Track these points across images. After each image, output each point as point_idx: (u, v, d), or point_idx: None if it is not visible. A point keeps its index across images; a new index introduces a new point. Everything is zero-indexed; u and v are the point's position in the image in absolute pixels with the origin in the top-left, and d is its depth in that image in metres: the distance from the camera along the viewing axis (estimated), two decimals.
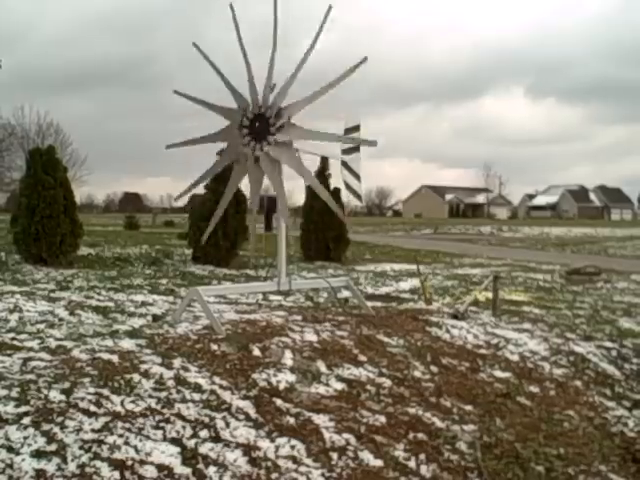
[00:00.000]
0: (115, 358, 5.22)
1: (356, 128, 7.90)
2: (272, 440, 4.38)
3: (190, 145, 7.17)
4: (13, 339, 5.82)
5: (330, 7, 6.46)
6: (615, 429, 5.81)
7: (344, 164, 7.91)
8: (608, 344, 7.47)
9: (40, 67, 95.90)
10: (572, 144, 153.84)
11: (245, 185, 7.24)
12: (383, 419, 4.95)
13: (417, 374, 5.87)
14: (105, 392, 4.58)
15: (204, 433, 4.31)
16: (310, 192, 15.16)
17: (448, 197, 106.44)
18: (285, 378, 5.27)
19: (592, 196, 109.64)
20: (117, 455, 3.90)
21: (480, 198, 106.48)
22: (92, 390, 4.58)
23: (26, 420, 4.07)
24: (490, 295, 8.63)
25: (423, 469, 4.47)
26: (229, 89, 6.87)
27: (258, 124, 6.65)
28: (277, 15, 6.61)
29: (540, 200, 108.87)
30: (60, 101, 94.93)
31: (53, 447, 3.85)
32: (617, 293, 11.33)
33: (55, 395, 4.43)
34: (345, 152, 7.85)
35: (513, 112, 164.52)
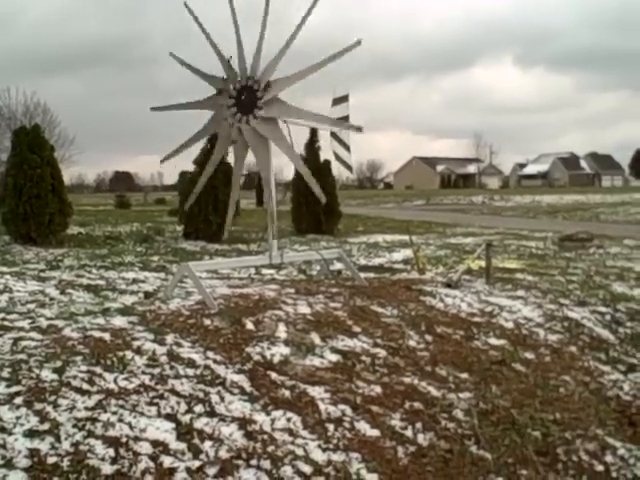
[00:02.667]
0: (107, 336, 5.17)
1: (344, 98, 7.81)
2: (268, 413, 4.35)
3: (175, 110, 7.09)
4: (3, 319, 5.75)
5: None
6: (611, 393, 5.82)
7: (333, 135, 7.83)
8: (602, 309, 7.47)
9: (29, 49, 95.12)
10: (562, 112, 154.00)
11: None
12: (379, 389, 4.93)
13: (412, 343, 5.85)
14: (98, 370, 4.54)
15: (199, 408, 4.27)
16: None
17: (439, 168, 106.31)
18: (279, 351, 5.24)
19: (583, 163, 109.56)
20: (111, 432, 3.86)
21: (471, 168, 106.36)
22: (84, 368, 4.53)
23: (18, 400, 4.03)
24: (483, 263, 8.60)
25: (420, 438, 4.45)
26: (218, 57, 6.75)
27: (245, 96, 6.55)
28: None
29: (531, 169, 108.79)
30: (49, 82, 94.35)
31: (46, 426, 3.81)
32: (610, 258, 11.34)
33: (47, 374, 4.38)
34: (334, 123, 7.77)
35: (503, 82, 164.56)
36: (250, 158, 6.94)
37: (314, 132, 15.00)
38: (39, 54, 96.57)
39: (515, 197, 46.48)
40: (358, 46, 6.27)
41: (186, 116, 7.26)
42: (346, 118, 7.74)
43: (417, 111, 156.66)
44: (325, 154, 15.10)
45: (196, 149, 11.39)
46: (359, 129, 6.66)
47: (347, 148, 7.78)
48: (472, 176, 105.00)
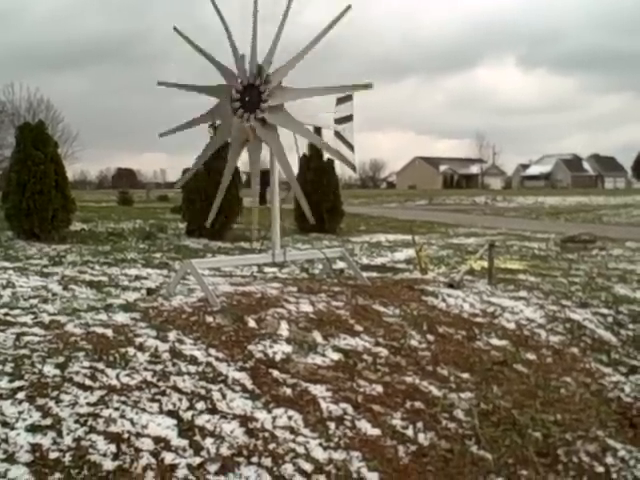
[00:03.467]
0: (109, 332, 5.18)
1: (349, 97, 7.80)
2: (269, 411, 4.36)
3: (183, 130, 7.07)
4: (6, 314, 5.76)
5: None
6: (612, 395, 5.82)
7: (337, 134, 7.83)
8: (604, 310, 7.47)
9: (34, 45, 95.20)
10: (565, 114, 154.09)
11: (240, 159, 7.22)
12: (380, 388, 4.94)
13: (413, 343, 5.85)
14: (100, 366, 4.55)
15: (200, 405, 4.28)
16: (304, 164, 15.07)
17: (442, 168, 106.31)
18: (281, 349, 5.24)
19: (586, 165, 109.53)
20: (113, 428, 3.87)
21: (474, 169, 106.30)
22: (87, 364, 4.54)
23: (20, 395, 4.04)
24: (485, 264, 8.61)
25: (421, 437, 4.46)
26: (215, 66, 6.78)
27: (249, 95, 6.56)
28: None
29: (534, 170, 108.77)
30: (54, 79, 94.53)
31: (48, 421, 3.82)
32: (612, 260, 11.34)
33: (49, 370, 4.39)
34: (338, 122, 7.76)
35: (506, 83, 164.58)
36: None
37: (318, 132, 15.01)
38: (44, 50, 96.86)
39: (518, 198, 46.47)
40: (348, 11, 6.30)
41: (190, 113, 7.26)
42: (350, 117, 7.74)
43: (419, 111, 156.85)
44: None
45: (200, 147, 11.36)
46: (368, 86, 6.63)
47: (351, 147, 7.78)
48: (475, 176, 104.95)
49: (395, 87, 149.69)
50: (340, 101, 7.76)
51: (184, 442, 3.88)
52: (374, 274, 8.63)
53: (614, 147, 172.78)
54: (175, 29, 7.00)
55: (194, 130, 7.21)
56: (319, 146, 7.01)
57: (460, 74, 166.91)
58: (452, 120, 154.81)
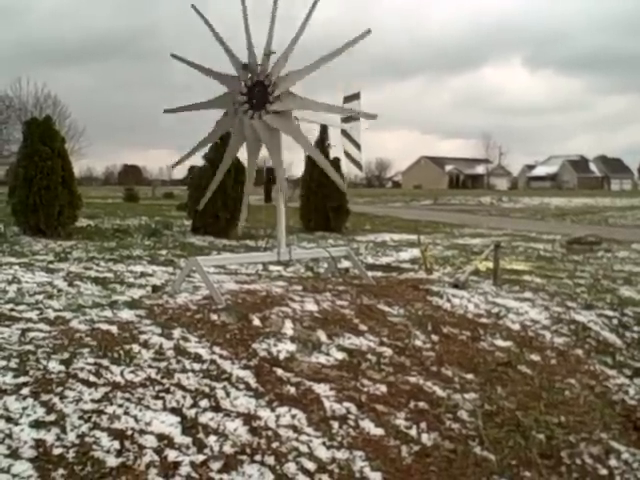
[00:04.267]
0: (114, 329, 5.19)
1: (356, 96, 7.80)
2: (272, 409, 4.36)
3: (187, 111, 7.08)
4: (12, 310, 5.79)
5: None
6: (616, 397, 5.80)
7: (344, 133, 7.83)
8: (609, 312, 7.45)
9: (40, 41, 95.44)
10: (572, 114, 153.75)
11: (244, 155, 7.20)
12: (384, 388, 4.93)
13: (418, 343, 5.85)
14: (105, 362, 4.55)
15: (204, 403, 4.29)
16: (309, 163, 15.07)
17: (448, 168, 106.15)
18: (285, 348, 5.25)
19: (592, 166, 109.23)
20: (117, 425, 3.87)
21: (480, 169, 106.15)
22: (91, 360, 4.55)
23: (25, 390, 4.05)
24: (491, 264, 8.59)
25: (424, 437, 4.45)
26: (228, 55, 6.76)
27: (257, 92, 6.56)
28: None
29: (540, 170, 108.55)
30: (60, 74, 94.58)
31: (52, 417, 3.83)
32: (618, 262, 11.31)
33: (54, 366, 4.40)
34: (345, 120, 7.77)
35: (512, 83, 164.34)
36: (262, 153, 6.96)
37: (324, 130, 14.98)
38: (49, 46, 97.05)
39: (524, 199, 46.35)
40: (368, 35, 6.28)
41: (196, 115, 7.28)
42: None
43: (425, 110, 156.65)
44: (335, 152, 15.10)
45: (207, 146, 11.38)
46: (372, 116, 6.65)
47: (358, 146, 7.78)
48: (481, 177, 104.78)
49: (401, 86, 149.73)
50: (347, 99, 7.76)
51: (187, 440, 3.88)
52: (379, 273, 8.62)
53: (620, 148, 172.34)
54: (193, 7, 6.94)
55: (201, 128, 7.22)
56: (315, 159, 6.98)
57: (466, 73, 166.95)
58: (458, 120, 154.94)
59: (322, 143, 14.76)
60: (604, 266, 10.70)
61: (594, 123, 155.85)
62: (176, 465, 3.66)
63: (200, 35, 6.96)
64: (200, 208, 7.22)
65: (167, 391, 4.34)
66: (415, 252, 11.01)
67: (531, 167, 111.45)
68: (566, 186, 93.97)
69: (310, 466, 3.89)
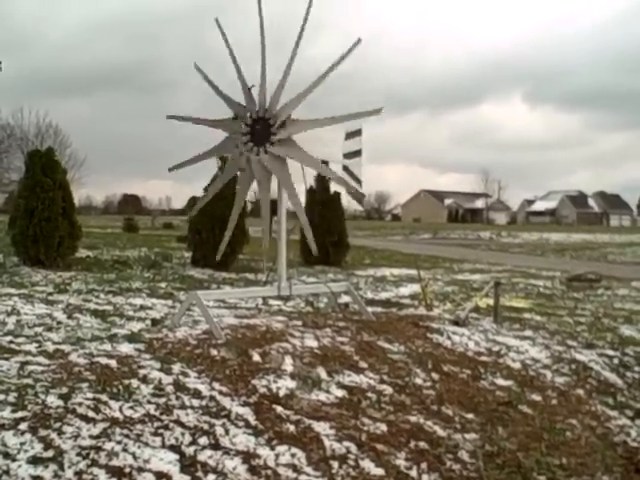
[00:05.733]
0: (113, 363, 5.16)
1: (357, 132, 7.89)
2: (272, 448, 4.32)
3: (191, 164, 7.11)
4: (10, 342, 5.76)
5: (310, 2, 6.43)
6: (618, 439, 5.76)
7: (345, 168, 7.89)
8: (610, 352, 7.42)
9: (46, 71, 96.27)
10: (571, 150, 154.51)
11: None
12: (384, 427, 4.89)
13: (418, 381, 5.82)
14: (103, 397, 4.52)
15: (203, 440, 4.24)
16: (310, 196, 15.14)
17: (447, 202, 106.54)
18: (285, 384, 5.21)
19: (591, 202, 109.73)
20: (115, 462, 3.83)
21: (479, 203, 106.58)
22: (90, 395, 4.51)
23: (23, 425, 4.00)
24: (491, 301, 8.58)
25: (425, 478, 4.40)
26: (226, 102, 6.85)
27: (258, 128, 6.61)
28: (263, 21, 6.63)
29: (539, 205, 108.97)
30: (64, 104, 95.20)
31: (50, 453, 3.78)
32: (618, 300, 11.29)
33: (53, 400, 4.36)
34: (346, 156, 7.84)
35: (511, 119, 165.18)
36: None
37: (326, 163, 15.11)
38: (53, 76, 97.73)
39: (523, 234, 46.46)
40: (358, 45, 6.34)
41: (198, 141, 7.33)
42: (359, 152, 7.81)
43: (425, 145, 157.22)
44: (335, 186, 15.18)
45: (207, 177, 11.46)
46: (377, 111, 6.60)
47: (359, 182, 7.83)
48: (480, 211, 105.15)
49: (400, 121, 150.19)
50: (349, 136, 7.84)
51: (186, 478, 3.83)
52: (379, 309, 8.60)
53: (618, 184, 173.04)
54: (196, 66, 7.08)
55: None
56: (327, 175, 7.04)
57: (465, 109, 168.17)
58: (457, 155, 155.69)
59: (323, 176, 14.83)
60: (604, 304, 10.68)
61: (593, 159, 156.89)
62: None
63: (203, 68, 7.06)
64: (218, 258, 7.38)
65: (166, 428, 4.30)
66: (415, 287, 11.00)
67: (530, 202, 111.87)
68: (565, 221, 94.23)
69: None
